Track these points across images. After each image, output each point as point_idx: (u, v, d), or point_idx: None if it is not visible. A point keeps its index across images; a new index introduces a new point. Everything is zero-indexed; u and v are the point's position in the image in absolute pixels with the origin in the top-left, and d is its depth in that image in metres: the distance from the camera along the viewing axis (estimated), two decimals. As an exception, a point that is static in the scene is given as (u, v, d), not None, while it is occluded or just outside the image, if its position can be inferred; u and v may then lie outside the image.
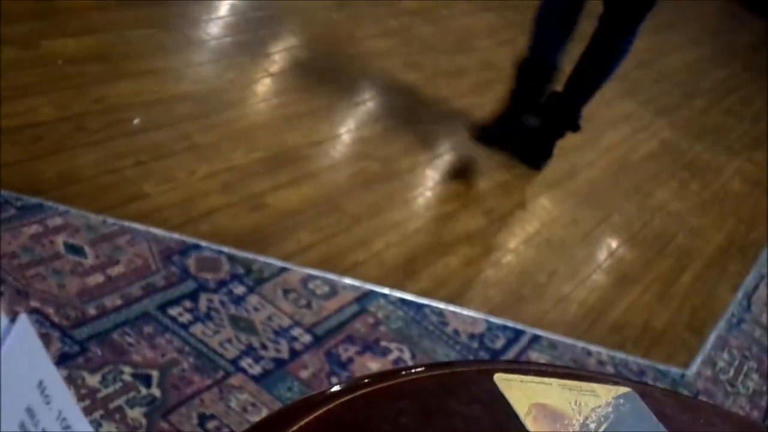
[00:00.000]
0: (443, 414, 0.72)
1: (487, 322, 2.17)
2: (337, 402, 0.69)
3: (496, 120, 2.87)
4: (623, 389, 0.82)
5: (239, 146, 2.37)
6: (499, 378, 0.77)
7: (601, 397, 0.80)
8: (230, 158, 2.31)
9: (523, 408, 0.74)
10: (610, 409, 0.78)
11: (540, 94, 2.88)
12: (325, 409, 0.68)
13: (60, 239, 1.81)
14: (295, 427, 0.65)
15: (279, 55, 2.97)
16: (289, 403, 1.39)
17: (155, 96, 2.41)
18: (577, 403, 0.77)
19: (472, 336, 2.10)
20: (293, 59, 2.99)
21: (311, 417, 0.67)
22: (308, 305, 1.95)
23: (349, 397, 0.70)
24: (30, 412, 0.49)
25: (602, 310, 2.44)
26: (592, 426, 0.75)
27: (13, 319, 0.48)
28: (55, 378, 0.52)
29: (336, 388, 0.73)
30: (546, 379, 0.79)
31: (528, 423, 0.73)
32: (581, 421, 0.75)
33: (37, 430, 0.50)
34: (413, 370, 0.77)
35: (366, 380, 0.74)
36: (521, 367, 0.83)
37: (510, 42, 3.90)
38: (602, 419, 0.77)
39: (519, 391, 0.76)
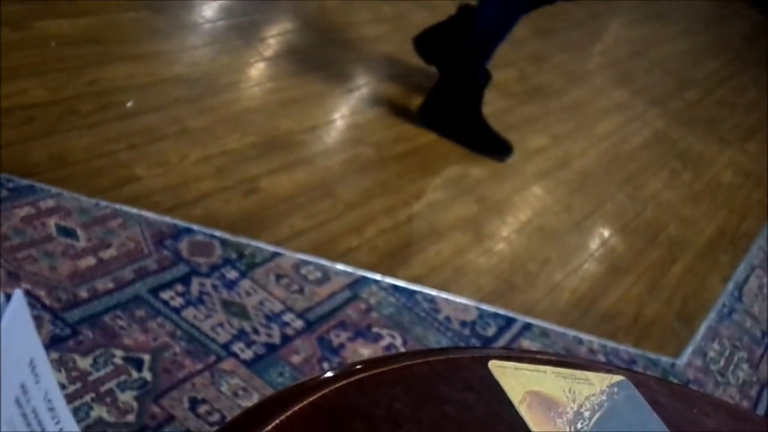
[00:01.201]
0: (437, 400, 0.72)
1: (479, 309, 2.17)
2: (331, 387, 0.69)
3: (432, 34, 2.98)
4: (617, 378, 0.82)
5: (232, 130, 2.36)
6: (494, 365, 0.77)
7: (595, 385, 0.80)
8: (223, 142, 2.30)
9: (518, 395, 0.74)
10: (604, 398, 0.78)
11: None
12: (318, 394, 0.68)
13: (52, 221, 1.80)
14: (288, 412, 0.65)
15: (273, 39, 2.96)
16: (283, 389, 1.39)
17: (149, 79, 2.40)
18: (572, 391, 0.77)
19: (463, 323, 2.10)
20: (287, 44, 2.98)
21: (305, 402, 0.67)
22: (300, 290, 1.95)
23: (342, 382, 0.70)
24: (23, 388, 0.49)
25: (594, 299, 2.44)
26: (587, 414, 0.75)
27: (8, 295, 0.47)
28: (42, 358, 0.52)
29: (330, 373, 0.72)
30: (540, 367, 0.79)
31: (522, 410, 0.73)
32: (575, 409, 0.75)
33: (29, 407, 0.50)
34: (407, 357, 0.77)
35: (360, 366, 0.74)
36: (516, 354, 0.83)
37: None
38: (596, 407, 0.77)
39: (513, 379, 0.76)
